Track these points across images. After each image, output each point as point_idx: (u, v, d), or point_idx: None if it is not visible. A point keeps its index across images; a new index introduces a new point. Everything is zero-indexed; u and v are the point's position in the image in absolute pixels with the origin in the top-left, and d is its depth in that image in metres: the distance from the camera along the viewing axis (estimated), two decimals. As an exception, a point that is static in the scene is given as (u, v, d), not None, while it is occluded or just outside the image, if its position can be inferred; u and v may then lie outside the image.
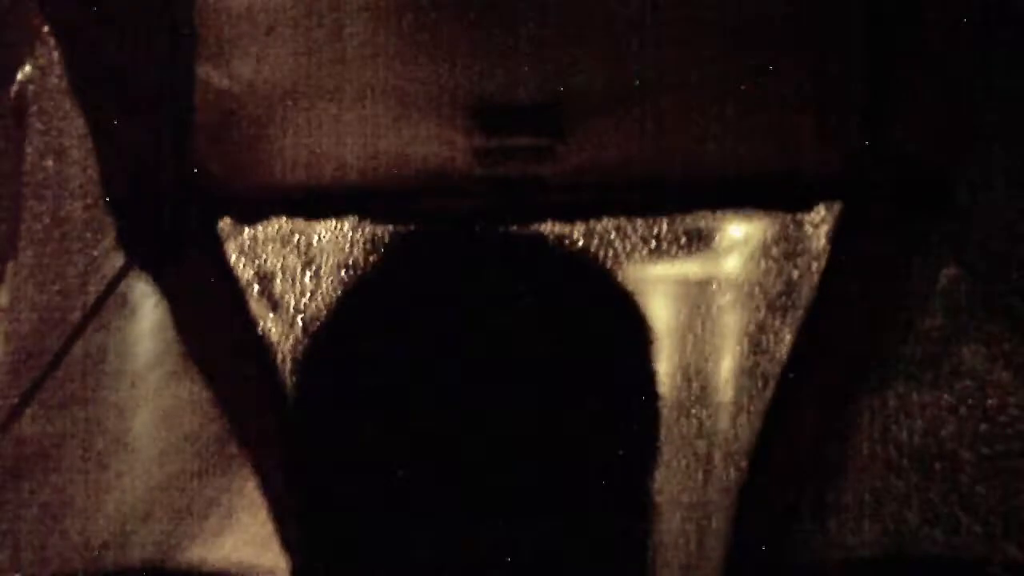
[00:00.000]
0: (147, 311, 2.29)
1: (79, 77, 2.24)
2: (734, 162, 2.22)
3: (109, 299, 2.26)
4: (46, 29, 2.21)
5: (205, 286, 2.32)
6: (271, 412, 2.31)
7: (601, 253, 2.33)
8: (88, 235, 2.27)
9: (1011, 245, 2.17)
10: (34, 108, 2.26)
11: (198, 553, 2.28)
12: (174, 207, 2.26)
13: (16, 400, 2.20)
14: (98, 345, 2.27)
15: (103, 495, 2.25)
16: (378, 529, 1.12)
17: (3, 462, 2.22)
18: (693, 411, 2.38)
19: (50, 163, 2.26)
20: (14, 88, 2.21)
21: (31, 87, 2.24)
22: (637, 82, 2.22)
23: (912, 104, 2.15)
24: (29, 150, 2.25)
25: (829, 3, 2.15)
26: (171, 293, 2.29)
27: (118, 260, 2.26)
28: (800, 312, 2.31)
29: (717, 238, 2.37)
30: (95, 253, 2.27)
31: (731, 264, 2.38)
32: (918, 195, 2.16)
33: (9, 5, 2.15)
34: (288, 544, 2.26)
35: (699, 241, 2.36)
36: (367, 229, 2.33)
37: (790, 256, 2.35)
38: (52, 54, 2.22)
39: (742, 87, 2.19)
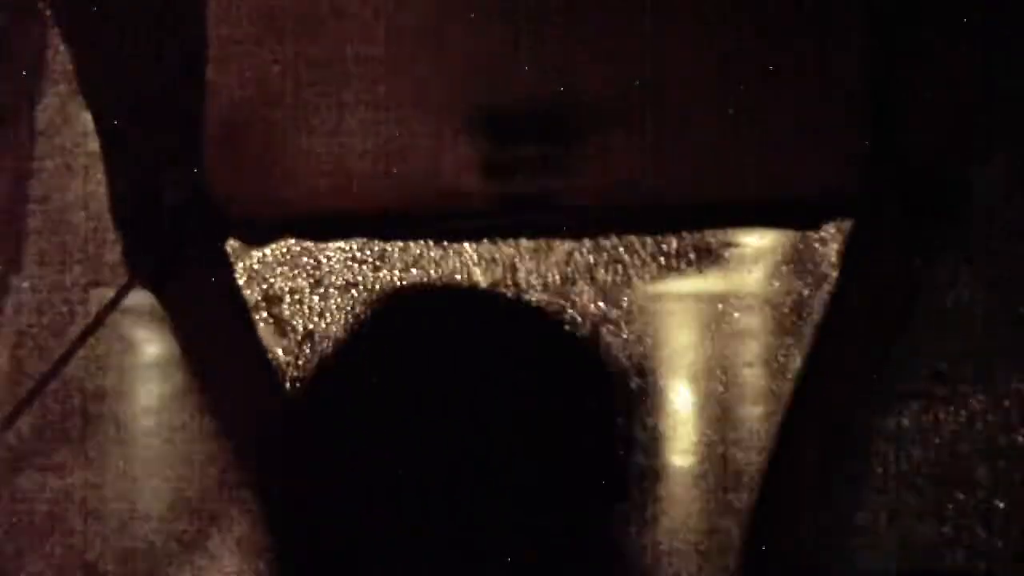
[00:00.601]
0: (151, 329, 2.30)
1: (89, 90, 2.28)
2: (741, 172, 2.22)
3: (112, 312, 2.26)
4: (57, 39, 2.25)
5: (209, 305, 2.32)
6: (276, 432, 2.28)
7: (610, 270, 2.32)
8: (91, 248, 2.29)
9: (1014, 247, 2.15)
10: (41, 120, 2.29)
11: (199, 564, 2.25)
12: (179, 224, 2.28)
13: (15, 409, 2.20)
14: (99, 358, 2.27)
15: (102, 501, 2.24)
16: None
17: (2, 468, 2.22)
18: (704, 429, 2.34)
19: (55, 175, 2.28)
20: (21, 99, 2.24)
21: (39, 99, 2.27)
22: (643, 96, 2.23)
23: (913, 105, 2.15)
24: (35, 162, 2.27)
25: (830, 4, 2.16)
26: (174, 310, 2.30)
27: (121, 274, 2.27)
28: (810, 329, 2.28)
29: (726, 255, 2.35)
30: (98, 266, 2.28)
31: (740, 281, 2.35)
32: (923, 197, 2.15)
33: (18, 13, 2.19)
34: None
35: (708, 257, 2.35)
36: (375, 249, 2.33)
37: (800, 273, 2.33)
38: (62, 65, 2.25)
39: (746, 96, 2.20)
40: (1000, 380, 2.18)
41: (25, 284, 2.26)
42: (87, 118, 2.25)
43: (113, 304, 2.27)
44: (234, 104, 2.28)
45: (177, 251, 2.27)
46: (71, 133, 2.29)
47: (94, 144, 2.26)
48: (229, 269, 2.33)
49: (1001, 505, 2.20)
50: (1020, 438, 2.19)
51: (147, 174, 2.27)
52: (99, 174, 2.26)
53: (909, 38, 2.13)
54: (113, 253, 2.27)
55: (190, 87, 2.25)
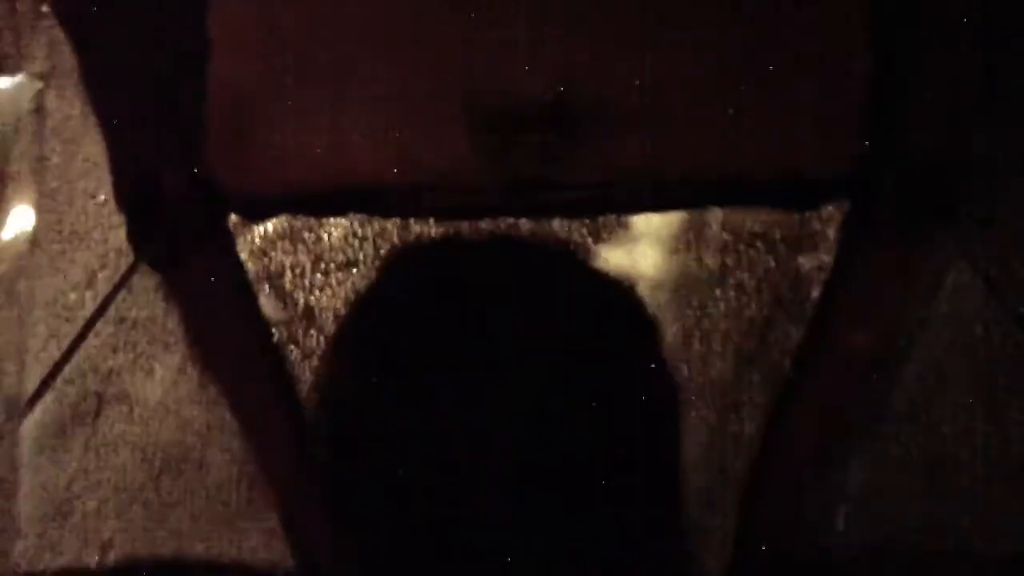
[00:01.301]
0: (157, 308, 2.32)
1: (88, 73, 2.28)
2: (739, 163, 2.23)
3: (118, 296, 2.29)
4: (56, 25, 2.24)
5: (215, 284, 2.35)
6: (280, 408, 2.33)
7: (611, 249, 2.34)
8: (97, 233, 2.30)
9: (1014, 247, 2.16)
10: (44, 105, 2.29)
11: (204, 548, 2.30)
12: (183, 205, 2.29)
13: (32, 397, 2.24)
14: (107, 341, 2.30)
15: (107, 492, 2.28)
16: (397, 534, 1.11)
17: (7, 458, 2.26)
18: (696, 406, 2.38)
19: (59, 161, 2.29)
20: (25, 86, 2.24)
21: (41, 84, 2.27)
22: (642, 79, 2.23)
23: (913, 105, 2.15)
24: (39, 147, 2.28)
25: (830, 4, 2.15)
26: (181, 291, 2.32)
27: (127, 258, 2.29)
28: (806, 308, 2.30)
29: (725, 234, 2.37)
30: (104, 251, 2.30)
31: (739, 259, 2.37)
32: (921, 197, 2.16)
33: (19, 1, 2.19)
34: (297, 541, 2.28)
35: (707, 237, 2.36)
36: (376, 225, 2.35)
37: (798, 252, 2.35)
38: (63, 50, 2.25)
39: (745, 85, 2.19)
40: (998, 379, 2.21)
41: (34, 272, 2.28)
42: (88, 108, 2.25)
43: (118, 288, 2.29)
44: (234, 87, 2.29)
45: (182, 232, 2.29)
46: (73, 119, 2.29)
47: (95, 129, 2.26)
48: (232, 246, 2.35)
49: (985, 489, 2.25)
50: (1014, 431, 2.23)
51: (148, 157, 2.28)
52: (102, 159, 2.27)
53: (909, 38, 2.12)
54: (118, 238, 2.29)
55: (191, 72, 2.25)
